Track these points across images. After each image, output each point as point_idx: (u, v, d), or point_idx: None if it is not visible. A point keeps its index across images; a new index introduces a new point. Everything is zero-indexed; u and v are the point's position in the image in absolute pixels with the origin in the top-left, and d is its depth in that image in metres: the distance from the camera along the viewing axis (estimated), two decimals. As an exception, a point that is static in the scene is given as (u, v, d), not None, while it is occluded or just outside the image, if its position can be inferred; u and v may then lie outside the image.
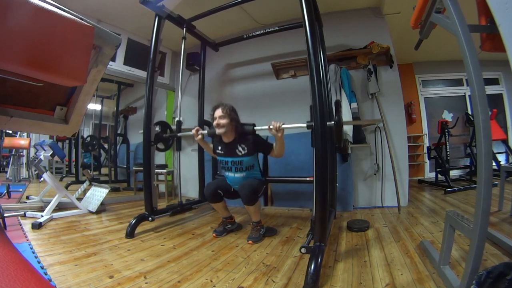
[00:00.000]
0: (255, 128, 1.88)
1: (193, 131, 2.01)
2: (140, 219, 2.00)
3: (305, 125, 1.61)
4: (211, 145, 2.08)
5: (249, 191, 1.78)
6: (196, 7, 2.55)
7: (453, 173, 4.33)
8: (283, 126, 1.71)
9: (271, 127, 1.72)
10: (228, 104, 1.90)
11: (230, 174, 1.94)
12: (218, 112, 1.85)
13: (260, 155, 2.07)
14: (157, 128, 2.26)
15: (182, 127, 2.51)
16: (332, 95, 2.57)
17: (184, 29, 2.53)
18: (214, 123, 1.86)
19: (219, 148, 1.96)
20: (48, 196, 2.70)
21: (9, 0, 0.60)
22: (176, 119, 2.41)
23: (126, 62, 3.40)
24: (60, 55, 0.73)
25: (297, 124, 1.70)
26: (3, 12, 0.59)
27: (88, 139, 4.13)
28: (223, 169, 1.99)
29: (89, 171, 4.11)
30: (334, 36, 2.95)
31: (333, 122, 1.62)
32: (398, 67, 2.95)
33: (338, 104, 1.68)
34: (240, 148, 1.87)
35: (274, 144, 1.86)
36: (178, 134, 2.32)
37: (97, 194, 2.69)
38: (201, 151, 2.96)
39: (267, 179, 2.91)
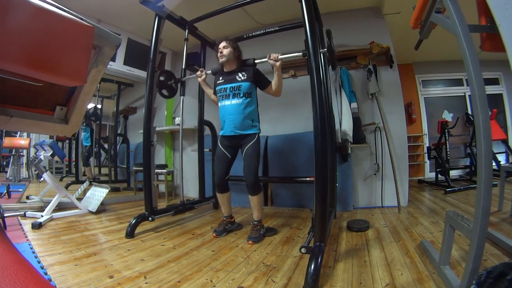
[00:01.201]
0: (255, 61, 1.96)
1: (198, 72, 2.13)
2: (140, 219, 2.00)
3: (300, 54, 1.70)
4: (212, 89, 2.13)
5: (253, 179, 1.86)
6: (196, 7, 2.55)
7: (453, 173, 4.33)
8: (281, 56, 1.81)
9: (271, 58, 1.83)
10: (232, 39, 2.03)
11: (226, 102, 1.93)
12: (223, 43, 1.96)
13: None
14: (162, 77, 2.30)
15: (183, 127, 2.52)
16: (332, 95, 2.57)
17: (187, 30, 2.54)
18: (218, 53, 1.95)
19: (220, 78, 2.00)
20: (48, 196, 2.70)
21: (9, 0, 0.60)
22: (182, 67, 2.47)
23: (126, 62, 3.40)
24: (60, 55, 0.73)
25: (292, 54, 1.80)
26: (3, 12, 0.59)
27: (91, 109, 4.06)
28: (220, 99, 1.98)
29: (91, 168, 4.09)
30: (334, 36, 2.92)
31: (325, 49, 1.76)
32: (398, 67, 2.95)
33: (329, 32, 1.86)
34: (240, 75, 1.94)
35: (272, 80, 1.94)
36: (183, 79, 2.39)
37: (97, 194, 2.69)
38: (201, 151, 2.95)
39: (267, 179, 2.94)
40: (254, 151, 1.90)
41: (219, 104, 2.00)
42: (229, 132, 1.93)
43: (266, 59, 1.87)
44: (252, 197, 1.91)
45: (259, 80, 1.96)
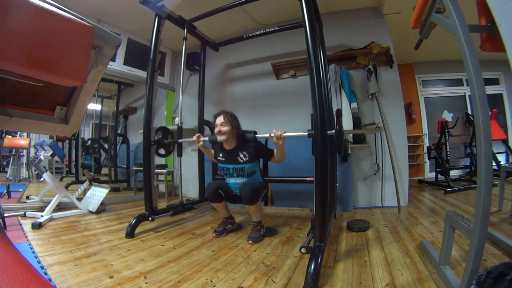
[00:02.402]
0: (256, 135, 1.89)
1: (194, 138, 2.02)
2: (140, 219, 2.00)
3: (306, 133, 1.61)
4: (212, 151, 2.09)
5: (250, 191, 1.79)
6: (196, 7, 2.55)
7: (453, 173, 4.33)
8: (284, 134, 1.71)
9: (272, 135, 1.72)
10: (230, 111, 1.92)
11: (231, 180, 1.95)
12: (220, 119, 1.86)
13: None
14: (159, 135, 2.28)
15: (183, 127, 2.52)
16: (332, 95, 2.57)
17: (185, 29, 2.54)
18: (216, 130, 1.87)
19: (220, 155, 1.96)
20: (48, 196, 2.70)
21: (9, 0, 0.60)
22: (177, 123, 2.42)
23: (126, 62, 3.40)
24: (60, 55, 0.73)
25: (298, 132, 1.71)
26: (3, 12, 0.59)
27: (89, 142, 4.12)
28: (224, 175, 1.99)
29: (89, 171, 4.10)
30: (334, 36, 2.95)
31: (334, 131, 1.61)
32: (398, 67, 2.95)
33: (339, 113, 1.66)
34: (241, 155, 1.88)
35: (275, 150, 1.87)
36: (179, 140, 2.33)
37: (97, 194, 2.69)
38: (201, 151, 2.95)
39: (267, 179, 2.93)
40: (257, 182, 1.89)
41: (224, 176, 2.00)
42: (234, 190, 1.96)
43: (267, 135, 1.77)
44: (249, 206, 1.84)
45: (262, 156, 1.95)
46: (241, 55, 3.47)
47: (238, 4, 2.30)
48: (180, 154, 2.41)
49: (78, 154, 3.98)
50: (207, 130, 3.03)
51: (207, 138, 2.04)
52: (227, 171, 1.94)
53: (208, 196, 1.94)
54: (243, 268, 1.37)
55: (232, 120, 1.87)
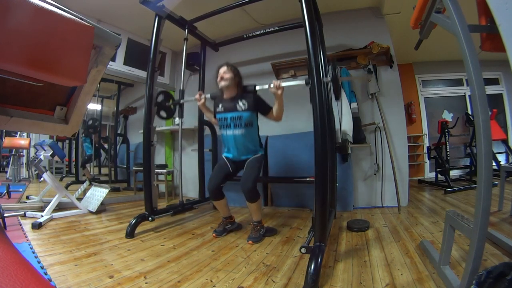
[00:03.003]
0: (256, 87, 1.92)
1: (196, 96, 2.06)
2: (140, 219, 2.00)
3: (303, 81, 1.67)
4: (212, 111, 2.10)
5: (250, 187, 1.80)
6: (196, 7, 2.55)
7: (453, 173, 4.33)
8: (283, 84, 1.76)
9: (271, 85, 1.77)
10: (233, 64, 1.98)
11: (228, 132, 1.92)
12: (223, 69, 1.92)
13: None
14: (160, 98, 2.28)
15: (182, 127, 2.52)
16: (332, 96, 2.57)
17: (186, 30, 2.54)
18: (218, 78, 1.91)
19: (220, 105, 1.96)
20: (48, 196, 2.70)
21: (9, 0, 0.60)
22: (180, 88, 2.46)
23: (126, 62, 3.40)
24: (60, 55, 0.73)
25: (295, 82, 1.79)
26: (3, 12, 0.59)
27: (90, 122, 4.07)
28: (221, 128, 1.97)
29: (88, 170, 4.10)
30: (334, 36, 2.95)
31: (329, 77, 1.71)
32: (398, 67, 2.95)
33: (334, 63, 1.80)
34: (240, 104, 1.89)
35: (273, 107, 1.89)
36: (181, 101, 2.36)
37: (97, 194, 2.69)
38: (201, 151, 2.95)
39: (267, 179, 2.94)
40: (256, 162, 1.91)
41: (221, 131, 1.99)
42: (232, 157, 1.97)
43: (267, 86, 1.81)
44: (250, 204, 1.87)
45: (260, 108, 1.93)
46: (241, 55, 3.47)
47: (239, 5, 2.30)
48: (181, 115, 2.41)
49: (78, 153, 3.99)
50: (207, 130, 3.03)
51: (209, 95, 2.07)
52: (224, 121, 1.93)
53: (210, 194, 1.95)
54: (243, 268, 1.37)
55: (235, 69, 1.93)
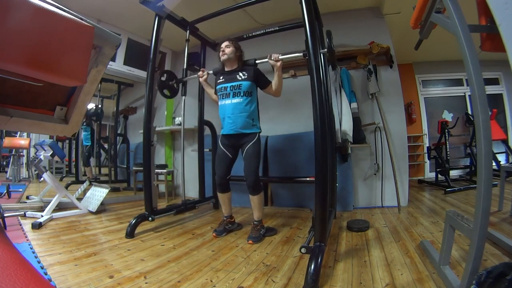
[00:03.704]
0: (256, 61, 1.98)
1: (199, 72, 2.14)
2: (140, 219, 2.00)
3: (301, 54, 1.71)
4: (213, 87, 2.13)
5: (254, 179, 1.85)
6: (197, 7, 2.55)
7: (453, 173, 4.33)
8: (281, 57, 1.82)
9: (271, 58, 1.84)
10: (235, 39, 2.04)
11: (227, 101, 1.93)
12: (225, 43, 1.98)
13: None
14: (164, 77, 2.30)
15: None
16: (332, 95, 2.57)
17: (188, 31, 2.55)
18: (220, 52, 1.97)
19: (221, 77, 2.01)
20: (48, 196, 2.70)
21: (9, 0, 0.60)
22: (184, 67, 2.51)
23: (126, 62, 3.40)
24: (60, 55, 0.73)
25: (293, 54, 1.82)
26: (3, 12, 0.59)
27: (93, 109, 4.03)
28: (220, 98, 1.98)
29: (91, 168, 4.08)
30: (334, 36, 2.92)
31: (325, 49, 1.76)
32: (398, 67, 2.95)
33: (329, 33, 1.84)
34: (240, 74, 1.94)
35: (273, 80, 1.95)
36: (184, 79, 2.40)
37: (97, 194, 2.69)
38: (201, 151, 2.95)
39: (267, 179, 2.94)
40: (254, 151, 1.90)
41: (219, 102, 2.00)
42: (228, 130, 1.93)
43: (267, 59, 1.88)
44: (253, 197, 1.91)
45: (259, 80, 1.96)
46: (241, 55, 3.47)
47: (240, 6, 2.32)
48: (184, 94, 2.45)
49: (78, 154, 3.98)
50: (207, 130, 3.03)
51: (211, 71, 2.13)
52: (224, 90, 1.95)
53: (218, 186, 2.00)
54: (243, 268, 1.37)
55: (236, 43, 2.00)
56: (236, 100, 1.90)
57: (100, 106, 4.17)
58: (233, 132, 1.91)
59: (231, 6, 2.31)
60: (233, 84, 1.92)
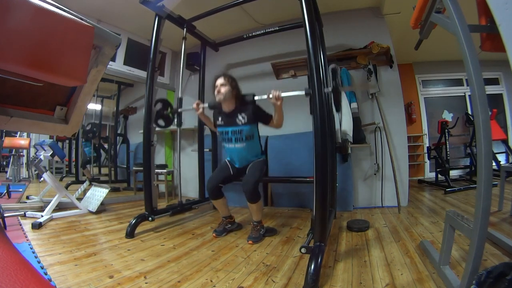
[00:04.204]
0: (255, 97, 1.89)
1: (194, 105, 2.03)
2: (140, 219, 2.00)
3: (303, 92, 1.63)
4: (212, 119, 2.09)
5: (252, 187, 1.79)
6: (196, 7, 2.55)
7: (453, 173, 4.33)
8: (282, 94, 1.74)
9: (270, 96, 1.74)
10: (230, 74, 1.94)
11: (230, 145, 1.93)
12: (220, 81, 1.87)
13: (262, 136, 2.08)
14: (158, 106, 2.25)
15: (182, 127, 2.52)
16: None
17: (185, 29, 2.54)
18: (215, 91, 1.87)
19: (219, 119, 1.96)
20: (48, 196, 2.70)
21: (9, 0, 0.60)
22: (178, 96, 2.44)
23: (126, 62, 3.40)
24: (60, 55, 0.73)
25: (295, 92, 1.73)
26: (3, 12, 0.59)
27: (89, 126, 4.07)
28: (223, 141, 1.98)
29: (89, 170, 4.09)
30: (334, 36, 2.95)
31: (330, 88, 1.68)
32: (398, 67, 2.95)
33: (334, 71, 1.72)
34: (240, 117, 1.88)
35: (273, 114, 1.88)
36: (179, 110, 2.34)
37: (97, 194, 2.69)
38: (201, 151, 2.95)
39: (267, 179, 2.94)
40: (258, 165, 1.92)
41: (222, 143, 2.00)
42: (235, 164, 1.99)
43: (266, 97, 1.78)
44: (251, 204, 1.86)
45: (260, 119, 1.93)
46: (241, 55, 3.47)
47: (237, 3, 2.30)
48: (179, 125, 2.39)
49: (78, 154, 3.98)
50: (207, 130, 3.03)
51: (206, 105, 2.04)
52: (225, 135, 1.93)
53: (209, 193, 1.95)
54: (243, 268, 1.37)
55: (232, 81, 1.89)
56: (239, 145, 1.90)
57: (96, 124, 4.20)
58: (240, 167, 1.97)
59: (228, 3, 2.29)
60: (234, 129, 1.89)
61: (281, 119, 1.86)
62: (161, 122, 2.28)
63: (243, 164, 1.96)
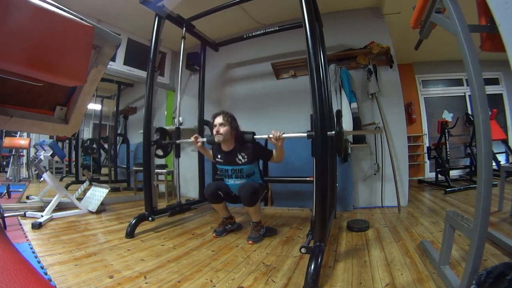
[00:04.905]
0: (255, 136, 1.88)
1: (192, 139, 2.01)
2: (140, 219, 2.00)
3: (305, 134, 1.59)
4: (211, 152, 2.08)
5: (250, 192, 1.77)
6: (196, 7, 2.55)
7: (453, 173, 4.33)
8: (283, 135, 1.70)
9: (271, 136, 1.70)
10: (229, 112, 1.91)
11: (230, 181, 1.94)
12: (219, 120, 1.85)
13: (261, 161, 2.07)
14: (157, 136, 2.25)
15: (182, 127, 2.51)
16: (332, 95, 2.57)
17: (184, 28, 2.54)
18: (214, 130, 1.85)
19: (219, 156, 1.95)
20: (48, 196, 2.70)
21: (9, 0, 0.60)
22: (177, 124, 2.41)
23: (126, 62, 3.40)
24: (60, 55, 0.73)
25: (297, 133, 1.68)
26: (3, 12, 0.59)
27: (88, 142, 4.11)
28: (223, 177, 1.98)
29: (88, 171, 4.10)
30: (334, 36, 2.95)
31: (334, 132, 1.61)
32: (398, 67, 2.95)
33: (339, 114, 1.66)
34: (240, 157, 1.87)
35: (273, 151, 1.86)
36: (177, 141, 2.32)
37: (97, 194, 2.69)
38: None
39: (267, 179, 2.94)
40: (258, 182, 1.91)
41: (223, 178, 1.99)
42: (233, 191, 1.96)
43: (266, 136, 1.75)
44: (248, 208, 1.83)
45: (260, 157, 1.93)
46: (241, 55, 3.47)
47: (237, 3, 2.30)
48: (178, 155, 2.39)
49: (78, 154, 3.98)
50: (207, 130, 3.02)
51: (205, 139, 2.03)
52: (225, 172, 1.93)
53: (207, 198, 1.93)
54: (243, 268, 1.37)
55: (231, 121, 1.86)
56: (239, 181, 1.90)
57: (95, 140, 4.22)
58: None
59: (227, 2, 2.29)
60: (234, 168, 1.88)
61: (281, 156, 1.83)
62: (159, 152, 2.28)
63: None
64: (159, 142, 2.27)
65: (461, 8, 1.01)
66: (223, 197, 1.94)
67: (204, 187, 2.84)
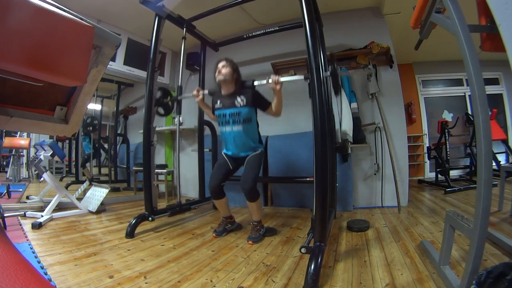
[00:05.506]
0: (255, 83, 1.90)
1: (194, 92, 2.05)
2: (140, 219, 2.00)
3: (302, 77, 1.68)
4: (211, 106, 2.08)
5: (251, 186, 1.80)
6: (196, 7, 2.55)
7: (453, 173, 4.33)
8: (281, 79, 1.74)
9: (270, 80, 1.76)
10: (232, 60, 1.95)
11: (227, 129, 1.92)
12: (221, 63, 1.89)
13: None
14: (158, 94, 2.26)
15: (182, 127, 2.51)
16: (332, 95, 2.57)
17: (184, 29, 2.54)
18: (216, 72, 1.88)
19: (218, 102, 1.95)
20: (48, 196, 2.70)
21: (9, 0, 0.60)
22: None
23: (126, 62, 3.40)
24: (60, 55, 0.73)
25: (294, 77, 1.78)
26: (3, 12, 0.59)
27: (88, 120, 4.07)
28: (220, 125, 1.97)
29: (89, 169, 4.09)
30: (334, 36, 2.95)
31: (328, 72, 1.69)
32: (398, 67, 2.95)
33: (333, 56, 1.74)
34: (239, 99, 1.87)
35: (272, 102, 1.88)
36: (179, 97, 2.36)
37: (97, 194, 2.69)
38: (201, 151, 2.95)
39: (267, 179, 2.94)
40: (255, 160, 1.91)
41: (220, 128, 1.98)
42: (232, 154, 1.96)
43: (265, 81, 1.80)
44: (251, 203, 1.86)
45: (259, 104, 1.92)
46: (241, 55, 3.46)
47: (237, 3, 2.30)
48: (179, 112, 2.40)
49: (78, 154, 3.98)
50: (207, 130, 3.03)
51: (206, 91, 2.07)
52: (223, 118, 1.92)
53: (211, 193, 1.94)
54: (243, 268, 1.37)
55: (233, 64, 1.90)
56: (236, 128, 1.88)
57: (96, 118, 4.19)
58: (237, 156, 1.95)
59: (228, 3, 2.29)
60: (232, 111, 1.88)
61: (280, 106, 1.85)
62: (160, 110, 2.29)
63: (239, 152, 1.93)
64: (161, 101, 2.27)
65: (461, 8, 1.01)
66: (224, 193, 1.96)
67: (204, 187, 2.85)
